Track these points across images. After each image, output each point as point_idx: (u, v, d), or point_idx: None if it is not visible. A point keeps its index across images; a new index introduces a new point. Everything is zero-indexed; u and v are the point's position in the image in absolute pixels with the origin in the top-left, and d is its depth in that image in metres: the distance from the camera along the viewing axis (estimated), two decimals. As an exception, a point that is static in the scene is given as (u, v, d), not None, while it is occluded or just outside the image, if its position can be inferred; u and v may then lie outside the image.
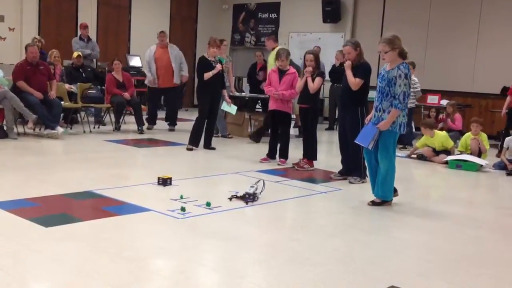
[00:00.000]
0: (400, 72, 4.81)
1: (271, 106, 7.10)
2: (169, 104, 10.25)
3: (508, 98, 9.32)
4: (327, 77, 11.41)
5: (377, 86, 5.03)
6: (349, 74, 5.84)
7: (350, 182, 5.99)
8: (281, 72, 7.01)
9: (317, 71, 6.57)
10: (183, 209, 4.43)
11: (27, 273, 3.01)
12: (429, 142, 8.14)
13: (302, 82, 6.60)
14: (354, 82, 5.83)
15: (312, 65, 6.54)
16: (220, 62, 7.91)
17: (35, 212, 4.18)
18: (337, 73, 10.89)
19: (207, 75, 7.60)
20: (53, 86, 8.44)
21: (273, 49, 9.14)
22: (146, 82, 10.13)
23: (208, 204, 4.63)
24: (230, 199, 4.87)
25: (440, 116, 10.15)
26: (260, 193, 5.01)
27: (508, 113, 9.35)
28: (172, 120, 10.09)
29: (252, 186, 4.97)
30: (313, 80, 6.54)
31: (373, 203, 5.05)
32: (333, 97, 11.60)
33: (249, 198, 4.85)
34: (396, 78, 4.82)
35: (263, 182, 5.16)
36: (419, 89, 9.47)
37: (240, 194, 4.93)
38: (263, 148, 7.54)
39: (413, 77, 9.34)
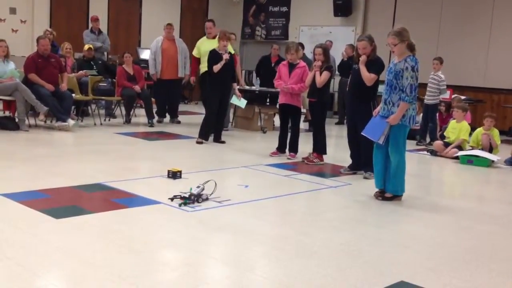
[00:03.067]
0: (407, 64, 4.79)
1: (281, 100, 7.09)
2: (171, 97, 10.06)
3: None
4: (336, 71, 11.39)
5: (385, 79, 5.01)
6: (363, 69, 5.80)
7: (365, 178, 5.95)
8: (291, 66, 6.99)
9: (326, 64, 6.54)
10: (184, 203, 4.38)
11: (38, 264, 3.03)
12: (452, 128, 8.15)
13: (311, 76, 6.58)
14: (369, 77, 5.79)
15: (320, 58, 6.51)
16: (231, 54, 7.88)
17: (46, 203, 4.21)
18: (345, 67, 10.84)
19: (216, 68, 7.59)
20: (64, 78, 8.47)
21: (214, 37, 8.73)
22: (151, 74, 10.02)
23: (182, 204, 4.40)
24: (172, 199, 4.46)
25: (451, 110, 10.11)
26: (211, 194, 4.61)
27: None
28: (173, 113, 10.05)
29: (198, 187, 4.52)
30: (321, 74, 6.51)
31: (383, 198, 5.03)
32: (342, 91, 11.55)
33: (192, 199, 4.43)
34: (403, 71, 4.80)
35: (215, 183, 4.72)
36: (445, 86, 9.39)
37: (186, 194, 4.49)
38: (273, 142, 7.53)
39: (440, 74, 9.26)
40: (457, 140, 7.98)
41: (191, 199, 4.44)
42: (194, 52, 9.05)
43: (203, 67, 8.58)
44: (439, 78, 9.24)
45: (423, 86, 8.90)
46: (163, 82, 9.83)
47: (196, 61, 9.08)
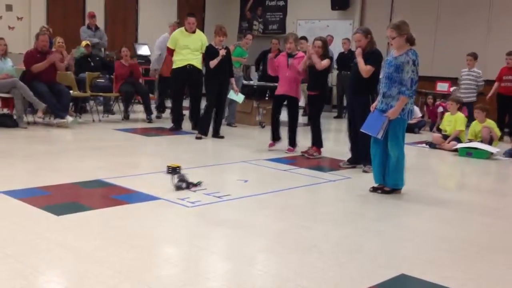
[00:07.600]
0: (408, 58, 4.78)
1: (279, 91, 7.02)
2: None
3: (495, 84, 9.53)
4: (335, 65, 11.37)
5: (383, 72, 5.00)
6: (360, 61, 5.80)
7: (365, 171, 5.94)
8: (290, 56, 6.95)
9: (325, 56, 6.55)
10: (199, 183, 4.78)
11: (39, 261, 3.03)
12: (447, 120, 8.20)
13: (306, 58, 6.56)
14: (365, 69, 5.79)
15: (318, 51, 6.50)
16: (227, 48, 7.85)
17: (46, 200, 4.21)
18: (344, 61, 10.85)
19: (213, 63, 7.57)
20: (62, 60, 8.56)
21: (193, 32, 8.32)
22: (152, 70, 9.92)
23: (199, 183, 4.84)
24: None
25: (438, 102, 10.32)
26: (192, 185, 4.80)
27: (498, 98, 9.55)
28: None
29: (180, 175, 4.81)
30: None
31: (382, 191, 5.03)
32: (341, 84, 11.54)
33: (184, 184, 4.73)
34: (404, 64, 4.79)
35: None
36: (482, 82, 9.40)
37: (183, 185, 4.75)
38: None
39: (477, 70, 9.23)
40: (454, 132, 7.99)
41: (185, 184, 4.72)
42: (171, 44, 8.39)
43: (178, 60, 8.24)
44: (477, 74, 9.20)
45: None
46: (168, 79, 9.64)
47: (170, 53, 8.49)
